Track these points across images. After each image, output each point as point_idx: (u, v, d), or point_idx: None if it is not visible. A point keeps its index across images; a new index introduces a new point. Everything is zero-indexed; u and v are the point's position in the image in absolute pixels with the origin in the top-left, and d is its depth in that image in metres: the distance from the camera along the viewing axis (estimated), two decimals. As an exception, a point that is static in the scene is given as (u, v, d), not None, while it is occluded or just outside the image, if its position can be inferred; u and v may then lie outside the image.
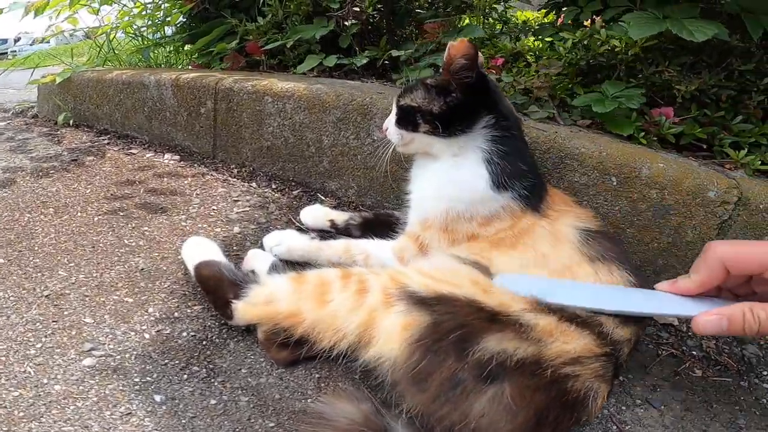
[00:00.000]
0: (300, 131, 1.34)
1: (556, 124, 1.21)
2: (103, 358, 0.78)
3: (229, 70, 1.83)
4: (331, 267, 0.85)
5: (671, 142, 1.16)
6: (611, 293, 0.67)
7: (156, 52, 2.27)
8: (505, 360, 0.61)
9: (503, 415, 0.59)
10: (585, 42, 1.25)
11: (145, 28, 2.31)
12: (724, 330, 0.53)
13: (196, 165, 1.55)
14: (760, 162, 1.06)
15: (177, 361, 0.78)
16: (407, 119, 0.92)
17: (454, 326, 0.65)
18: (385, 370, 0.66)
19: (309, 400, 0.73)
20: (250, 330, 0.85)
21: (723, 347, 0.97)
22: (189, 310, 0.90)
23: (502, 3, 1.90)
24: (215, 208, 1.26)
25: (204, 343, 0.83)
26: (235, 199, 1.31)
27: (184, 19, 2.11)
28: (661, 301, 0.61)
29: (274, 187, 1.39)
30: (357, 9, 1.55)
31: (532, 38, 1.62)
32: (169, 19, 2.16)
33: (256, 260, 0.95)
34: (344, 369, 0.78)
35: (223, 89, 1.46)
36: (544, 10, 2.03)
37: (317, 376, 0.77)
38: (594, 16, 1.39)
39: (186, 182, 1.42)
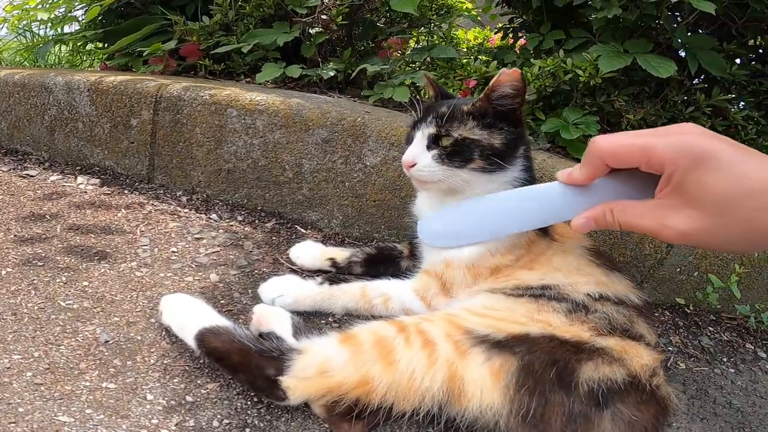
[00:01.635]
0: (274, 152, 1.14)
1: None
2: None
3: (158, 75, 1.52)
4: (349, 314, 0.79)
5: None
6: (509, 214, 0.69)
7: (51, 51, 1.83)
8: (611, 384, 0.65)
9: (626, 428, 0.64)
10: (552, 70, 1.28)
11: (37, 24, 1.85)
12: (594, 228, 0.58)
13: (126, 192, 1.24)
14: None
15: None
16: (461, 154, 0.81)
17: (547, 364, 0.66)
18: (490, 422, 0.64)
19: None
20: (296, 406, 0.70)
21: (685, 341, 1.15)
22: (204, 391, 0.71)
23: (447, 22, 1.89)
24: (175, 250, 1.01)
25: (247, 431, 0.66)
26: (197, 236, 1.07)
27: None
28: (554, 206, 0.64)
29: (240, 219, 1.17)
30: (325, 17, 1.38)
31: (493, 62, 1.63)
32: (79, 14, 1.75)
33: (273, 321, 0.80)
34: (416, 426, 0.70)
35: (169, 97, 1.20)
36: (480, 31, 2.08)
37: None
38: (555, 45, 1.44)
39: (120, 215, 1.12)
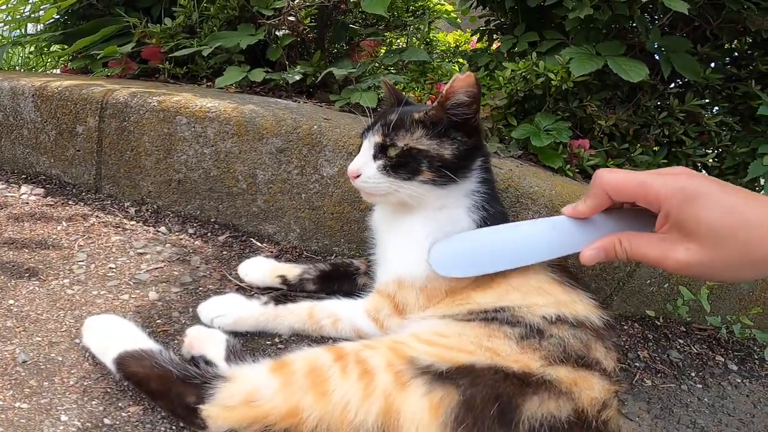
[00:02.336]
0: (226, 162, 1.08)
1: (498, 156, 1.22)
2: None
3: (116, 78, 1.45)
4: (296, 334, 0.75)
5: (588, 174, 1.28)
6: (520, 246, 0.73)
7: (11, 52, 1.74)
8: (554, 423, 0.60)
9: None
10: (524, 73, 1.23)
11: (1, 25, 1.77)
12: (603, 259, 0.61)
13: (71, 202, 1.17)
14: None
15: None
16: (407, 165, 0.76)
17: (489, 399, 0.61)
18: None
19: None
20: None
21: (653, 355, 1.11)
22: (124, 414, 0.67)
23: (427, 24, 1.83)
24: (113, 266, 0.95)
25: None
26: (140, 251, 1.00)
27: (57, 16, 1.65)
28: (562, 240, 0.68)
29: (191, 231, 1.10)
30: (292, 19, 1.32)
31: (466, 64, 1.58)
32: (40, 14, 1.67)
33: (206, 344, 0.75)
34: None
35: (115, 104, 1.13)
36: (462, 34, 2.03)
37: None
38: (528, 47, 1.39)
39: (60, 228, 1.05)
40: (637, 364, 1.07)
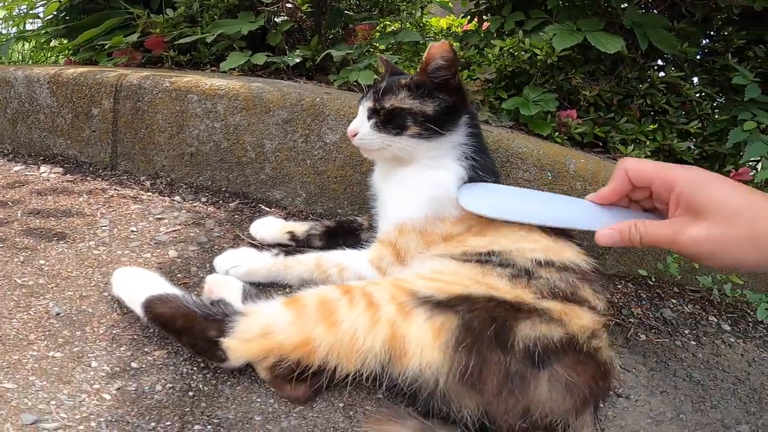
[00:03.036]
0: (236, 135, 1.21)
1: (489, 125, 1.34)
2: (62, 431, 0.61)
3: (123, 67, 1.60)
4: (305, 285, 0.82)
5: (577, 141, 1.41)
6: (544, 206, 0.82)
7: (12, 48, 1.89)
8: (547, 344, 0.67)
9: (564, 391, 0.65)
10: (511, 50, 1.38)
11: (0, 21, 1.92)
12: (617, 241, 0.65)
13: (89, 178, 1.30)
14: (644, 156, 1.38)
15: (168, 423, 0.65)
16: (394, 122, 0.90)
17: (486, 322, 0.68)
18: (430, 381, 0.65)
19: (348, 434, 0.66)
20: (241, 369, 0.74)
21: (647, 312, 1.21)
22: (150, 358, 0.75)
23: (419, 9, 1.99)
24: (134, 229, 1.07)
25: (191, 394, 0.70)
26: (158, 216, 1.13)
27: (57, 11, 1.80)
28: (581, 215, 0.76)
29: (204, 200, 1.23)
30: (290, 5, 1.47)
31: (457, 44, 1.73)
32: (39, 11, 1.82)
33: (223, 289, 0.84)
34: (366, 391, 0.73)
35: (129, 86, 1.27)
36: (455, 18, 2.19)
37: (341, 405, 0.71)
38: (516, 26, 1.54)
39: (82, 200, 1.18)
40: (631, 320, 1.16)
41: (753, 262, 0.56)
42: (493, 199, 0.85)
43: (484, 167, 0.93)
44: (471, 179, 0.90)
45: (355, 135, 0.92)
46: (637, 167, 0.65)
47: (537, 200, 0.83)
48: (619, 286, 1.30)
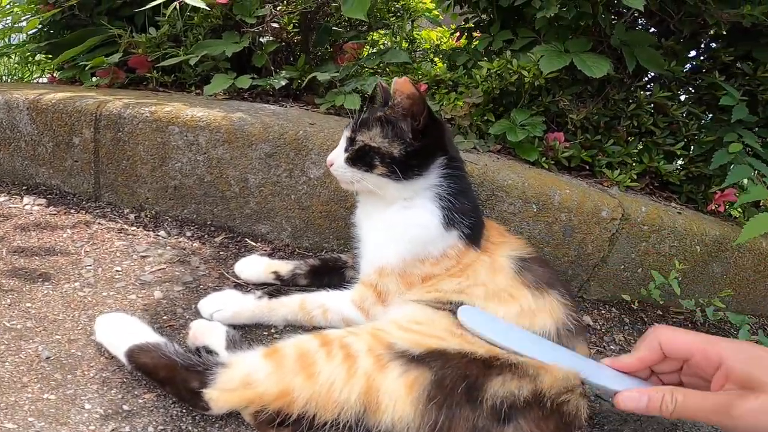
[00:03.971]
0: (219, 168, 1.21)
1: (477, 152, 1.36)
2: None
3: (105, 88, 1.58)
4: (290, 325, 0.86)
5: (564, 164, 1.42)
6: (552, 351, 0.80)
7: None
8: (514, 401, 0.71)
9: None
10: (498, 71, 1.37)
11: None
12: (643, 407, 0.62)
13: (73, 211, 1.30)
14: (629, 180, 1.40)
15: None
16: (363, 159, 0.93)
17: (458, 378, 0.71)
18: None
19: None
20: (229, 413, 0.78)
21: (629, 338, 1.23)
22: (140, 401, 0.79)
23: (410, 22, 1.97)
24: (119, 269, 1.08)
25: None
26: (143, 254, 1.13)
27: (41, 26, 1.77)
28: (595, 370, 0.75)
29: (189, 234, 1.23)
30: (276, 25, 1.45)
31: (444, 65, 1.71)
32: (21, 25, 1.79)
33: (207, 335, 0.87)
34: None
35: (109, 115, 1.26)
36: (446, 30, 2.16)
37: None
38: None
39: (66, 236, 1.18)
40: (612, 346, 1.18)
41: None
42: (497, 325, 0.82)
43: (461, 210, 0.94)
44: (449, 222, 0.92)
45: (331, 165, 0.96)
46: (675, 339, 0.63)
47: (544, 343, 0.81)
48: (602, 311, 1.32)
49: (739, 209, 1.53)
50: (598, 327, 1.26)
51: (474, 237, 0.94)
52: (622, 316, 1.32)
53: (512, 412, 0.70)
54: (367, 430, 0.72)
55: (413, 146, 0.90)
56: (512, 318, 0.84)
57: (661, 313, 1.37)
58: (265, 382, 0.73)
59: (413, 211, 0.93)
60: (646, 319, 1.33)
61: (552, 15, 1.32)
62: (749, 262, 1.37)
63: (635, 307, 1.35)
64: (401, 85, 0.88)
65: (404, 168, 0.90)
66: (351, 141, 0.94)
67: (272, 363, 0.75)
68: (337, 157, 0.95)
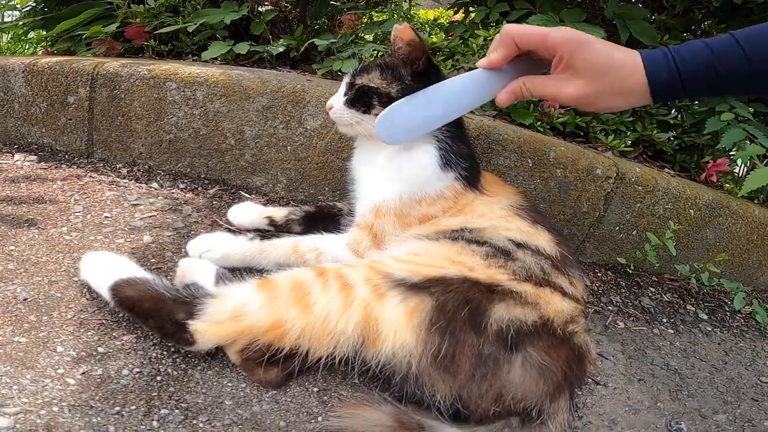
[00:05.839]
0: (215, 121, 1.18)
1: (472, 113, 1.31)
2: (22, 415, 0.59)
3: (102, 57, 1.55)
4: (282, 269, 0.78)
5: (559, 130, 1.40)
6: (449, 101, 0.81)
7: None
8: (520, 326, 0.66)
9: (538, 375, 0.64)
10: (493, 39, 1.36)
11: None
12: (513, 99, 0.74)
13: (64, 166, 1.26)
14: (623, 146, 1.38)
15: (134, 407, 0.62)
16: (361, 99, 0.90)
17: (460, 303, 0.66)
18: (402, 364, 0.64)
19: (320, 419, 0.65)
20: (212, 354, 0.72)
21: (626, 300, 1.21)
22: (118, 343, 0.72)
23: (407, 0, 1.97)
24: (108, 215, 1.03)
25: (159, 379, 0.67)
26: (134, 202, 1.09)
27: (33, 3, 1.74)
28: (482, 90, 0.78)
29: (182, 186, 1.19)
30: (274, -6, 1.44)
31: (442, 34, 1.71)
32: (14, 3, 1.76)
33: (196, 272, 0.82)
34: (341, 375, 0.71)
35: (105, 74, 1.23)
36: (443, 10, 2.17)
37: (315, 389, 0.69)
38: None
39: (56, 186, 1.14)
40: (609, 307, 1.15)
41: (622, 106, 0.68)
42: (405, 120, 0.82)
43: (458, 152, 0.92)
44: (446, 163, 0.90)
45: (330, 109, 0.93)
46: (523, 33, 0.70)
47: (440, 97, 0.80)
48: (599, 274, 1.30)
49: (731, 182, 1.52)
50: (595, 288, 1.23)
51: (471, 179, 0.92)
52: (618, 279, 1.29)
53: (519, 338, 0.65)
54: (364, 363, 0.67)
55: (412, 87, 0.87)
56: (515, 233, 0.82)
57: (656, 279, 1.35)
58: (258, 313, 0.67)
59: (410, 152, 0.90)
60: (641, 284, 1.31)
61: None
62: (742, 230, 1.35)
63: (631, 271, 1.32)
64: (401, 32, 0.87)
65: None
66: (350, 86, 0.92)
67: (265, 294, 0.69)
68: (337, 100, 0.93)
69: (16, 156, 1.28)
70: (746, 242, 1.37)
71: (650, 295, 1.28)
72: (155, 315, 0.69)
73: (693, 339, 1.14)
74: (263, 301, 0.68)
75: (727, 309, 1.32)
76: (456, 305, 0.67)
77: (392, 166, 0.91)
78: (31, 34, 1.96)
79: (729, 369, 1.06)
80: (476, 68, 0.77)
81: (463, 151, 0.93)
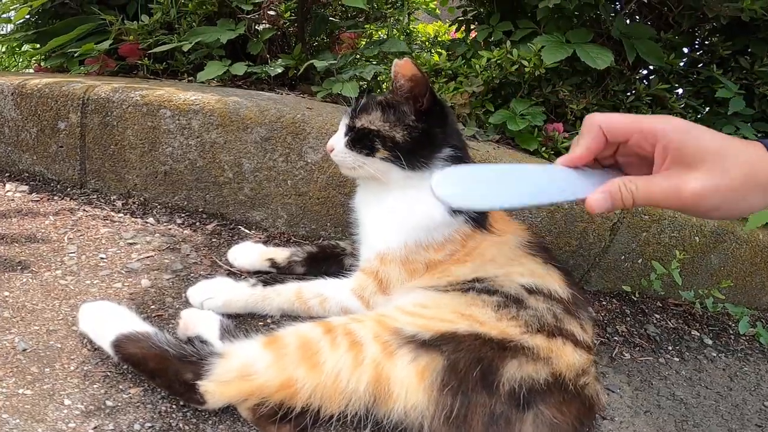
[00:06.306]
0: (212, 153, 1.14)
1: (476, 140, 1.30)
2: None
3: (94, 75, 1.50)
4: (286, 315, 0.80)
5: (563, 155, 1.31)
6: (520, 185, 0.68)
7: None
8: (532, 385, 0.66)
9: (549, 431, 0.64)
10: (498, 61, 1.32)
11: None
12: (610, 206, 0.57)
13: (57, 198, 1.22)
14: None
15: None
16: (362, 142, 0.86)
17: (471, 362, 0.66)
18: (414, 424, 0.64)
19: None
20: (223, 408, 0.71)
21: (631, 329, 1.20)
22: (125, 396, 0.71)
23: (406, 15, 1.92)
24: (104, 256, 1.00)
25: None
26: (130, 241, 1.05)
27: (28, 15, 1.69)
28: (561, 186, 0.64)
29: (179, 222, 1.16)
30: (272, 13, 1.39)
31: (444, 53, 1.67)
32: (10, 15, 1.71)
33: (199, 324, 0.80)
34: (352, 429, 0.70)
35: (97, 99, 1.18)
36: (442, 24, 2.12)
37: None
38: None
39: (48, 222, 1.10)
40: (615, 338, 1.14)
41: (758, 206, 0.52)
42: (467, 187, 0.71)
43: None
44: (454, 209, 0.86)
45: (332, 151, 0.90)
46: (613, 120, 0.57)
47: (511, 179, 0.68)
48: (603, 303, 1.28)
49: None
50: (601, 318, 1.21)
51: (480, 219, 0.89)
52: (623, 307, 1.28)
53: (531, 396, 0.65)
54: (377, 422, 0.66)
55: (417, 129, 0.84)
56: (528, 276, 0.80)
57: (660, 305, 1.33)
58: (266, 373, 0.66)
59: (418, 199, 0.86)
60: (646, 311, 1.29)
61: (554, 5, 1.28)
62: (746, 254, 1.33)
63: (635, 299, 1.31)
64: (402, 67, 0.82)
65: (409, 157, 0.84)
66: (349, 128, 0.88)
67: (273, 352, 0.68)
68: (337, 141, 0.89)
69: (8, 186, 1.24)
70: (749, 266, 1.35)
71: (655, 322, 1.27)
72: (162, 374, 0.69)
73: (698, 366, 1.13)
74: (270, 360, 0.67)
75: (731, 332, 1.32)
76: (467, 364, 0.66)
77: (398, 212, 0.88)
78: (26, 47, 1.90)
79: (734, 395, 1.06)
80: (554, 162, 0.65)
81: None
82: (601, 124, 0.58)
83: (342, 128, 0.89)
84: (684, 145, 0.52)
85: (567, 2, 1.29)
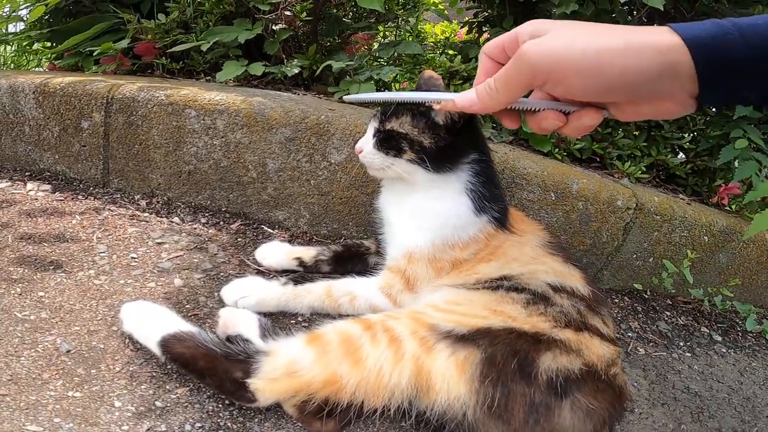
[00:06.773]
0: (236, 153, 1.15)
1: (492, 142, 1.33)
2: None
3: (111, 74, 1.50)
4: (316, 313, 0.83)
5: (576, 156, 1.40)
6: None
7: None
8: (568, 374, 0.69)
9: (585, 417, 0.68)
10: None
11: None
12: (476, 101, 0.54)
13: (81, 197, 1.22)
14: (639, 171, 1.40)
15: None
16: (390, 144, 0.88)
17: (508, 355, 0.69)
18: (458, 414, 0.67)
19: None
20: (267, 407, 0.73)
21: (643, 326, 1.23)
22: (173, 396, 0.72)
23: (416, 16, 1.93)
24: (135, 256, 1.01)
25: None
26: (159, 240, 1.06)
27: (42, 14, 1.68)
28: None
29: (204, 221, 1.17)
30: (289, 13, 1.39)
31: (458, 57, 1.68)
32: (24, 13, 1.70)
33: (239, 324, 0.82)
34: (391, 421, 0.74)
35: (122, 98, 1.18)
36: (448, 24, 2.13)
37: None
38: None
39: (75, 222, 1.10)
40: (629, 334, 1.18)
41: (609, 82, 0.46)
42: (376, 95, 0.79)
43: (491, 197, 0.91)
44: (479, 208, 0.90)
45: (360, 152, 0.92)
46: (490, 45, 0.56)
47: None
48: (616, 300, 1.31)
49: (741, 203, 1.53)
50: (615, 314, 1.24)
51: (503, 219, 0.92)
52: (635, 304, 1.31)
53: (568, 385, 0.68)
54: (419, 413, 0.69)
55: (445, 140, 0.86)
56: (552, 275, 0.83)
57: (670, 302, 1.37)
58: (311, 370, 0.68)
59: (444, 200, 0.89)
60: (657, 308, 1.32)
61: (570, 11, 1.29)
62: (754, 253, 1.37)
63: (646, 296, 1.34)
64: (424, 79, 0.86)
65: (435, 161, 0.86)
66: (377, 130, 0.90)
67: (316, 349, 0.70)
68: (366, 143, 0.91)
69: (29, 185, 1.24)
70: (756, 264, 1.39)
71: (666, 319, 1.30)
72: (212, 374, 0.70)
73: (709, 361, 1.17)
74: (314, 357, 0.69)
75: (738, 329, 1.36)
76: (504, 357, 0.69)
77: (425, 211, 0.90)
78: (37, 46, 1.89)
79: (745, 389, 1.10)
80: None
81: (495, 192, 0.93)
82: (485, 52, 0.57)
83: (370, 131, 0.91)
84: (535, 33, 0.49)
85: (583, 8, 1.30)
